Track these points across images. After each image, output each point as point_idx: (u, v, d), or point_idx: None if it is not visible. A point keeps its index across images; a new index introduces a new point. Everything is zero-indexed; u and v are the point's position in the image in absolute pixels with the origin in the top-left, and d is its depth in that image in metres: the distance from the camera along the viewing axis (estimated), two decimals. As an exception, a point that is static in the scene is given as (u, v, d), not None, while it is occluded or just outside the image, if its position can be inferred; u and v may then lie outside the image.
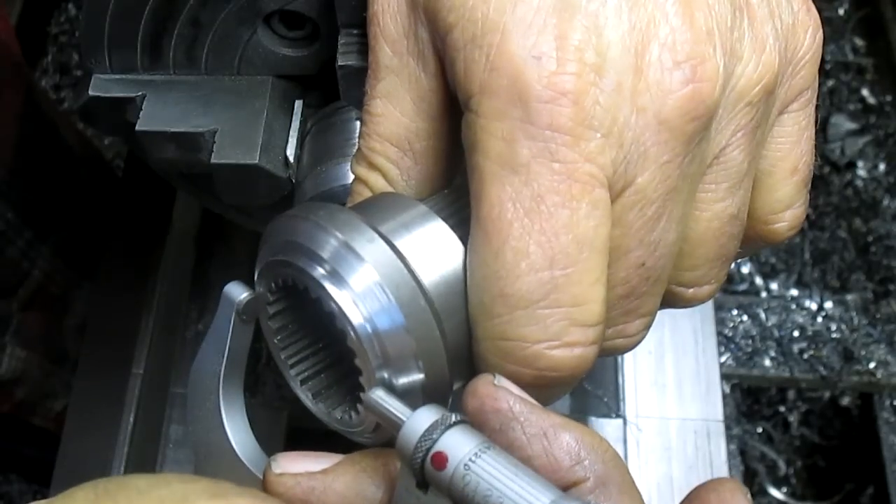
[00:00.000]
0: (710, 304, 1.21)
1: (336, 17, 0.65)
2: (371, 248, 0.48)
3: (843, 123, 1.62)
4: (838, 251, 1.50)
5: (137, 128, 0.71)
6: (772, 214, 0.56)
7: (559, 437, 0.45)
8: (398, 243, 0.48)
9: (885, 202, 1.55)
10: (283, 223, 0.51)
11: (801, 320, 1.39)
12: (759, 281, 1.47)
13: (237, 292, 0.52)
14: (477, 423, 0.45)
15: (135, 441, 1.00)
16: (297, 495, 0.48)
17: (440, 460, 0.43)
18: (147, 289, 1.07)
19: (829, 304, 1.41)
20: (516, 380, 0.47)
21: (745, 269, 1.51)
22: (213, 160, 0.70)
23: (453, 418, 0.44)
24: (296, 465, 0.49)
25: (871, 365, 1.35)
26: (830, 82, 1.66)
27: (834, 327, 1.39)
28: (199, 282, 1.20)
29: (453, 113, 0.52)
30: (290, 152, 0.72)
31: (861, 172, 1.59)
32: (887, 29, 1.63)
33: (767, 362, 1.36)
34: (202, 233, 1.20)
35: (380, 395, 0.46)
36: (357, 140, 0.57)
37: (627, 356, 1.12)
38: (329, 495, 0.48)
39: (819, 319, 1.40)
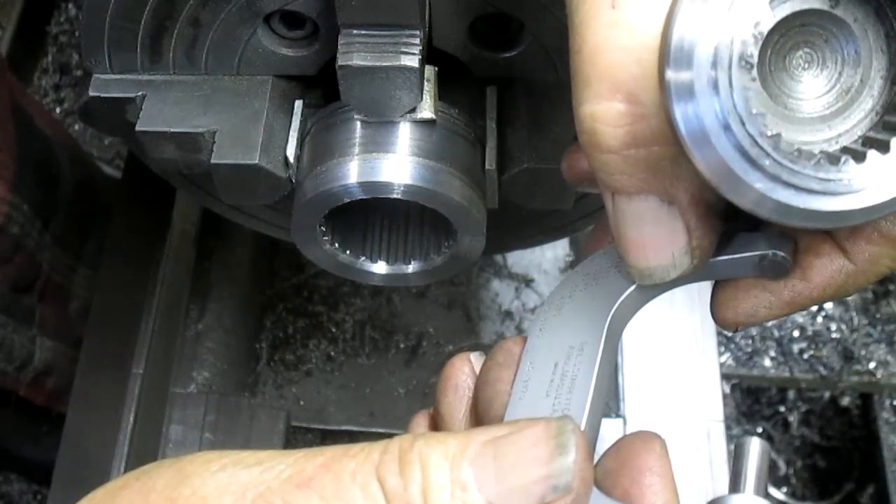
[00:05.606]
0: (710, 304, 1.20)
1: (336, 17, 0.65)
2: None
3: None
4: (838, 251, 1.49)
5: (137, 128, 0.71)
6: None
7: None
8: None
9: (886, 202, 1.55)
10: None
11: (801, 320, 1.39)
12: (759, 281, 1.47)
13: None
14: None
15: (135, 441, 1.00)
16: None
17: None
18: (147, 289, 1.07)
19: (829, 304, 1.41)
20: None
21: (745, 269, 1.50)
22: (213, 160, 0.70)
23: None
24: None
25: (871, 365, 1.35)
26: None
27: (834, 327, 1.39)
28: (199, 282, 1.20)
29: None
30: (290, 152, 0.71)
31: (861, 172, 1.59)
32: (887, 29, 1.63)
33: (767, 362, 1.36)
34: (202, 233, 1.20)
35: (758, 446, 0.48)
36: (357, 139, 0.55)
37: (627, 356, 1.12)
38: None
39: (819, 319, 1.40)
